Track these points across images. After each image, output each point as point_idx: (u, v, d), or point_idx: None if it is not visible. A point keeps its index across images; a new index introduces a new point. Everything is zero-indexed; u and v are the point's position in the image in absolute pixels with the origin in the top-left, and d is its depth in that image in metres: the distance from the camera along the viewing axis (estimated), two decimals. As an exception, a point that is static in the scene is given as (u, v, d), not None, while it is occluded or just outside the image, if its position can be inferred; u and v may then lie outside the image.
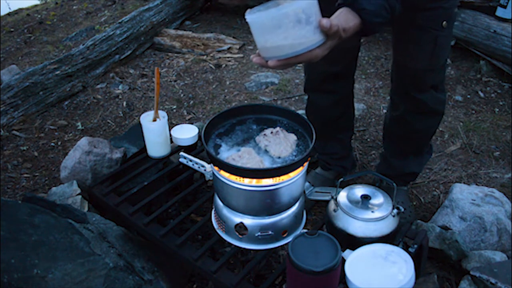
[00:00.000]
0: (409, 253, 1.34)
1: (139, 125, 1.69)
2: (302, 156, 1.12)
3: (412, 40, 1.43)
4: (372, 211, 1.24)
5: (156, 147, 1.67)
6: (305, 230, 1.11)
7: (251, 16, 0.93)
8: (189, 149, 1.72)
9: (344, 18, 0.98)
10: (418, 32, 1.39)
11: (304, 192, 1.50)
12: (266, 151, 1.23)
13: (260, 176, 1.14)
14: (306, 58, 0.95)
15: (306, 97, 2.78)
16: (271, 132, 1.25)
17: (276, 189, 1.16)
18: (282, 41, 0.92)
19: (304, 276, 0.99)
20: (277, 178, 1.15)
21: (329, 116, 1.77)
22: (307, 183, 1.59)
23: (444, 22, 1.36)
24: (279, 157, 1.20)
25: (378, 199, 1.28)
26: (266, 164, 1.18)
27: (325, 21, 0.92)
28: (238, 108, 1.33)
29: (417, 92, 1.53)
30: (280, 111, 1.34)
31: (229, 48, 3.35)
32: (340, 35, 0.96)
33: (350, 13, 0.99)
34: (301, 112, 1.97)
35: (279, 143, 1.22)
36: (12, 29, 4.05)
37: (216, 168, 1.19)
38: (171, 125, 1.73)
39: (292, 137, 1.25)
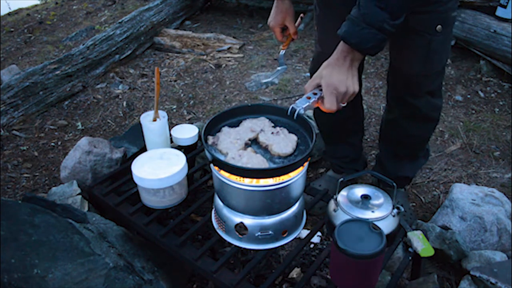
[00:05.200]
0: (409, 253, 1.34)
1: (139, 125, 1.69)
2: (302, 156, 1.12)
3: (405, 44, 1.39)
4: (372, 211, 1.24)
5: (156, 147, 1.67)
6: (349, 218, 1.19)
7: None
8: (189, 149, 1.72)
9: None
10: (411, 35, 1.35)
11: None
12: (266, 151, 1.23)
13: (260, 176, 1.13)
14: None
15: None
16: (271, 132, 1.25)
17: (276, 189, 1.16)
18: None
19: (353, 261, 1.04)
20: (277, 178, 1.15)
21: (337, 118, 1.76)
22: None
23: (439, 26, 1.31)
24: (279, 157, 1.20)
25: (378, 199, 1.28)
26: (266, 164, 1.18)
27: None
28: (238, 108, 1.33)
29: (410, 97, 1.51)
30: (280, 111, 1.34)
31: (229, 48, 3.35)
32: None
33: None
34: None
35: (280, 143, 1.22)
36: (12, 29, 4.05)
37: (216, 168, 1.19)
38: (171, 125, 1.72)
39: (293, 137, 1.25)
